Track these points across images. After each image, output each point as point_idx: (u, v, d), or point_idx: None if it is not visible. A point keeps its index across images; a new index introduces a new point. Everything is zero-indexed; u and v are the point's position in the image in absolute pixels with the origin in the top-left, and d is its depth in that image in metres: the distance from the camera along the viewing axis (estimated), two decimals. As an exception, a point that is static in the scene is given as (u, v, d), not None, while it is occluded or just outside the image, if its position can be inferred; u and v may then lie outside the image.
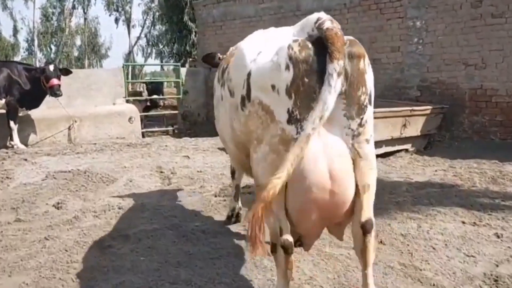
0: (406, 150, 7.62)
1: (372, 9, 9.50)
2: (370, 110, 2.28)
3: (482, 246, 3.57)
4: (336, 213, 2.30)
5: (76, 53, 49.39)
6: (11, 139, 8.68)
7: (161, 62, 42.83)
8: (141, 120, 11.42)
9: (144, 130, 11.51)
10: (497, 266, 3.21)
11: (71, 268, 3.30)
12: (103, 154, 8.01)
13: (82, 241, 3.85)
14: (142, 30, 46.70)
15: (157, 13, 40.11)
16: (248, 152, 2.54)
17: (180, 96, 12.74)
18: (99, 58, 51.04)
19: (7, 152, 8.11)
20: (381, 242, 3.70)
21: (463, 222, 4.12)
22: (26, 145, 9.02)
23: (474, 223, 4.08)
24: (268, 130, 2.24)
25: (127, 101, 11.57)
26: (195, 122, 12.67)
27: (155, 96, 15.30)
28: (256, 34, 2.99)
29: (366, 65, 2.22)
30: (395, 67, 9.17)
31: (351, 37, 2.24)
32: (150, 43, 46.25)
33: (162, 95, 16.06)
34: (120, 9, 46.78)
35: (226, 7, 12.31)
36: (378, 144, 6.83)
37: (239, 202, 4.31)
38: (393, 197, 4.98)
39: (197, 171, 6.54)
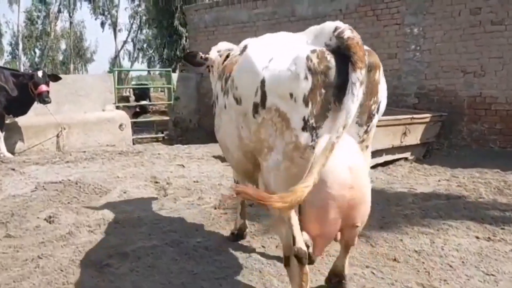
0: (406, 159, 7.50)
1: (368, 16, 9.37)
2: (376, 119, 2.39)
3: (501, 264, 3.42)
4: (354, 211, 2.33)
5: (61, 57, 48.88)
6: (-3, 148, 8.35)
7: (148, 66, 42.67)
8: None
9: (134, 136, 11.22)
10: (519, 285, 3.06)
11: (67, 290, 3.07)
12: (94, 163, 7.74)
13: (77, 260, 3.62)
14: (128, 34, 46.42)
15: (144, 17, 39.83)
16: (256, 161, 2.54)
17: (171, 102, 12.46)
18: (85, 62, 50.72)
19: (-7, 161, 7.79)
20: (394, 259, 3.54)
21: (477, 237, 3.97)
22: (13, 153, 8.69)
23: (489, 238, 3.94)
24: (282, 137, 2.25)
25: (117, 107, 11.29)
26: (187, 129, 12.45)
27: (144, 102, 15.04)
28: (260, 40, 2.87)
29: (381, 75, 2.30)
30: (392, 74, 9.03)
31: (367, 47, 2.27)
32: (137, 47, 46.00)
33: (149, 99, 15.82)
34: (106, 13, 46.42)
35: (219, 12, 12.11)
36: (378, 152, 6.72)
37: (246, 220, 4.11)
38: (400, 209, 4.83)
39: (193, 181, 6.31)
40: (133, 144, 10.75)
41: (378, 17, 9.20)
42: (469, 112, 8.37)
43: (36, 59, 46.70)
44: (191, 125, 12.57)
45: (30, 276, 3.31)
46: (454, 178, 6.27)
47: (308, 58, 2.15)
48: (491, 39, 8.00)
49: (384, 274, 3.27)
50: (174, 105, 12.40)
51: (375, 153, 6.11)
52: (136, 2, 40.68)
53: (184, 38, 18.73)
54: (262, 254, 3.69)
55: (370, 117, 2.32)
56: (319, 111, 2.17)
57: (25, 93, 8.37)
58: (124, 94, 19.33)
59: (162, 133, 12.94)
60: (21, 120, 9.00)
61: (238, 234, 4.04)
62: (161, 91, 22.38)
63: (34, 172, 6.97)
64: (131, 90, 18.20)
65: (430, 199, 5.23)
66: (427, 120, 7.52)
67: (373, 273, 3.30)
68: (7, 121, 8.62)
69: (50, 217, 4.68)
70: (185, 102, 12.47)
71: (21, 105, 8.50)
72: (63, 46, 48.88)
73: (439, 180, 6.20)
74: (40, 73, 8.44)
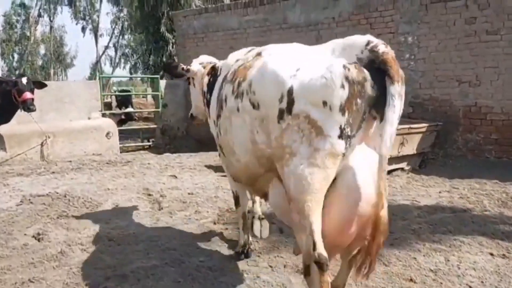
0: (402, 169, 7.39)
1: (362, 24, 9.25)
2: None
3: (521, 283, 3.28)
4: (370, 226, 2.32)
5: (40, 62, 48.10)
6: (-22, 157, 7.97)
7: (131, 72, 42.10)
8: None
9: (121, 145, 10.88)
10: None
11: (64, 321, 2.82)
12: (81, 173, 7.42)
13: (72, 283, 3.37)
14: (110, 40, 45.94)
15: (126, 23, 39.35)
16: (271, 166, 2.55)
17: (159, 109, 12.16)
18: (64, 68, 50.14)
19: (-26, 172, 7.41)
20: (411, 279, 3.37)
21: (491, 254, 3.83)
22: (-6, 163, 8.30)
23: (504, 255, 3.80)
24: (308, 143, 2.26)
25: (103, 115, 10.95)
26: (175, 137, 12.17)
27: (131, 109, 14.67)
28: (277, 49, 2.82)
29: (403, 88, 2.25)
30: (386, 83, 8.91)
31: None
32: (120, 53, 45.51)
33: (132, 105, 15.41)
34: (87, 17, 45.84)
35: (208, 18, 11.89)
36: (377, 163, 6.57)
37: (249, 235, 3.89)
38: (407, 223, 4.67)
39: (188, 193, 6.07)
40: (120, 152, 10.42)
41: (372, 26, 9.08)
42: (464, 122, 8.29)
43: (15, 64, 45.92)
44: (179, 133, 12.29)
45: (21, 303, 3.05)
46: (455, 190, 6.17)
47: (345, 67, 2.19)
48: (486, 49, 7.95)
49: (403, 296, 3.10)
50: (162, 112, 12.11)
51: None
52: (118, 7, 40.23)
53: (171, 45, 18.41)
54: (270, 275, 3.49)
55: None
56: (355, 120, 2.22)
57: (8, 100, 7.96)
58: (106, 100, 18.85)
59: (148, 141, 12.63)
60: (3, 129, 8.59)
61: (243, 252, 3.83)
62: (143, 97, 22.00)
63: (18, 184, 6.64)
64: (114, 96, 17.77)
65: (436, 212, 5.10)
66: (424, 129, 7.44)
67: (391, 295, 3.12)
68: (-11, 130, 8.23)
69: (38, 234, 4.41)
70: (173, 110, 12.19)
71: (4, 113, 8.08)
72: (42, 51, 48.20)
73: (440, 192, 6.09)
74: (24, 80, 8.05)
